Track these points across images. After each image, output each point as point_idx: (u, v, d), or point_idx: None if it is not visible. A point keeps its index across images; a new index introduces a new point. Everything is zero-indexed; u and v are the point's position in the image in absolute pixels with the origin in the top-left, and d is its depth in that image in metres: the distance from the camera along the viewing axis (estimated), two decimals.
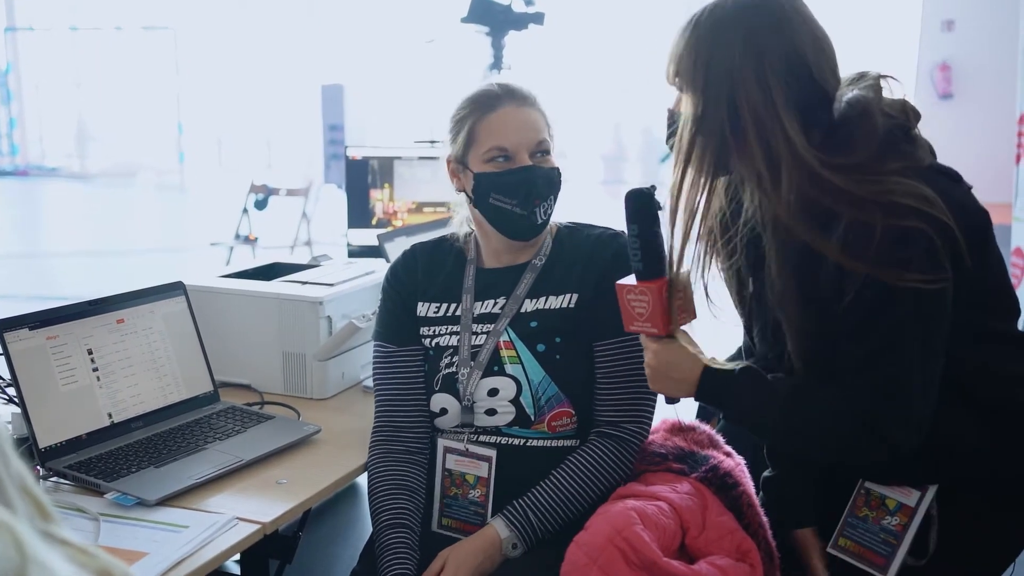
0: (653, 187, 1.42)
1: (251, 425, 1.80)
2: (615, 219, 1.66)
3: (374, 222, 2.97)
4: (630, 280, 1.44)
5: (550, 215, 1.68)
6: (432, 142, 3.10)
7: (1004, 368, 1.39)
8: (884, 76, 1.40)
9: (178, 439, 1.72)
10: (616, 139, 12.54)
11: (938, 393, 1.32)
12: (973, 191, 1.41)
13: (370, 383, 2.10)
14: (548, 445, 1.63)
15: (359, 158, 2.97)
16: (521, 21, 5.39)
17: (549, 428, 1.62)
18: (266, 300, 2.03)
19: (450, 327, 1.70)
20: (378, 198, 2.97)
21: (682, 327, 1.45)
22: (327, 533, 2.30)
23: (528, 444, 1.63)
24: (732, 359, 1.46)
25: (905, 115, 1.38)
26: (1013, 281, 4.27)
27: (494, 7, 5.36)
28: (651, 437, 1.67)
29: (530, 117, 1.65)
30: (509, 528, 1.55)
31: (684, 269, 1.43)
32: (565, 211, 1.76)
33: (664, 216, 1.42)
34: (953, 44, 11.04)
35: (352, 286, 2.10)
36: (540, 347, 1.64)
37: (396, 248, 2.52)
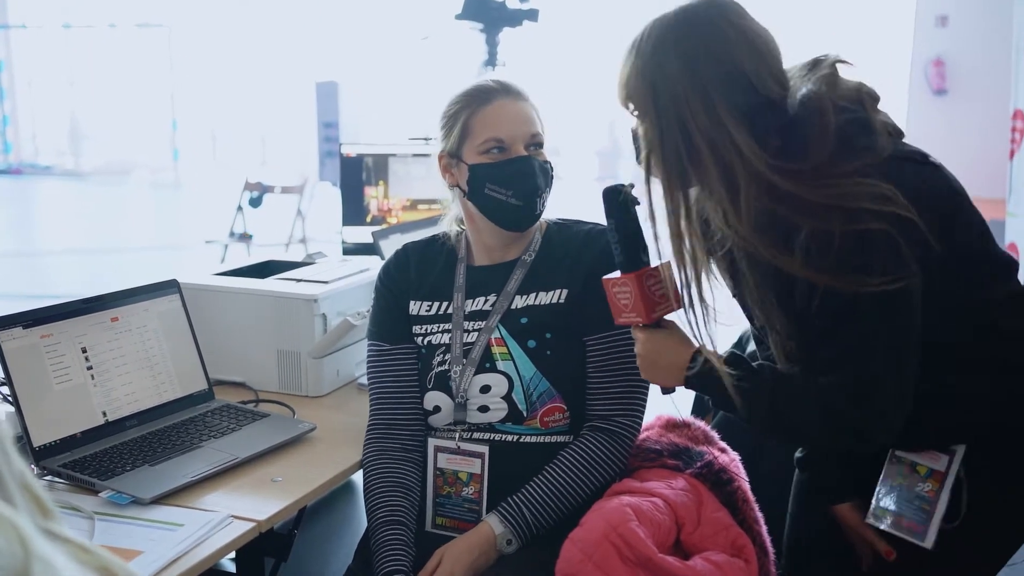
0: (631, 184, 1.45)
1: (246, 423, 1.80)
2: None
3: (368, 219, 2.96)
4: (615, 274, 1.48)
5: (545, 207, 1.69)
6: (427, 139, 3.10)
7: (1013, 325, 1.40)
8: (839, 61, 1.38)
9: (173, 437, 1.72)
10: (611, 135, 12.55)
11: (914, 387, 1.32)
12: (943, 168, 1.39)
13: (365, 381, 2.10)
14: (541, 441, 1.64)
15: (353, 155, 2.96)
16: (515, 18, 5.38)
17: (541, 424, 1.63)
18: (261, 298, 2.03)
19: (442, 325, 1.70)
20: (372, 195, 2.96)
21: (668, 316, 1.47)
22: (322, 531, 2.30)
23: (521, 440, 1.64)
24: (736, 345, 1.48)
25: (860, 103, 1.37)
26: None
27: (488, 4, 5.35)
28: (646, 433, 1.68)
29: (524, 110, 1.66)
30: (504, 524, 1.56)
31: (662, 261, 1.45)
32: (560, 207, 1.76)
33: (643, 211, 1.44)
34: (947, 39, 11.05)
35: (347, 284, 2.10)
36: (531, 343, 1.64)
37: (391, 245, 2.52)
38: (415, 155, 2.96)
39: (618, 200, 1.44)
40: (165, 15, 14.00)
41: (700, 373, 1.43)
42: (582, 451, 1.61)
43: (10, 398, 1.62)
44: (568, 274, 1.66)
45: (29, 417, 1.60)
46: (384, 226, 2.91)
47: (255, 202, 6.25)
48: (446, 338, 1.69)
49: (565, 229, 1.74)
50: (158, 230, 10.02)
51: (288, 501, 1.53)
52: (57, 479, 1.58)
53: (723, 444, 1.64)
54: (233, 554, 1.55)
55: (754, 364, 1.42)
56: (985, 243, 1.42)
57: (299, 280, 2.09)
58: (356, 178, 2.97)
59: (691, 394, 2.04)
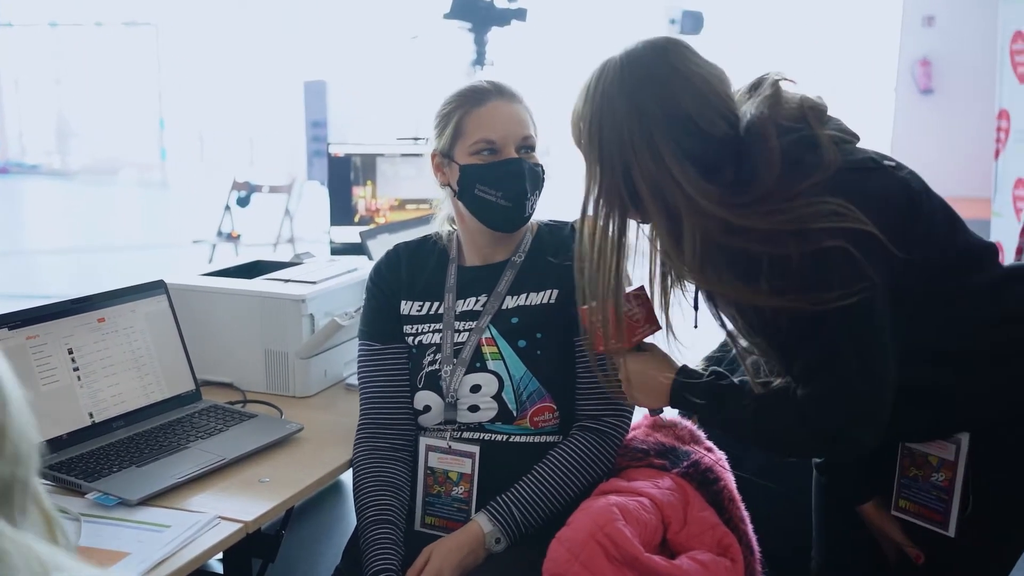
0: None
1: (233, 424, 1.79)
2: None
3: (356, 219, 2.96)
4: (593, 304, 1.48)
5: (534, 209, 1.69)
6: (415, 139, 3.10)
7: (998, 310, 1.41)
8: (781, 79, 1.39)
9: (160, 438, 1.72)
10: None
11: (894, 382, 1.33)
12: (897, 168, 1.38)
13: (353, 381, 2.10)
14: (530, 441, 1.64)
15: (341, 155, 2.96)
16: (504, 17, 5.38)
17: (531, 424, 1.63)
18: (248, 298, 2.03)
19: (433, 325, 1.71)
20: (360, 195, 2.96)
21: (648, 339, 1.50)
22: (310, 531, 2.30)
23: (511, 440, 1.64)
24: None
25: (804, 119, 1.36)
26: None
27: (477, 3, 5.35)
28: (633, 433, 1.69)
29: (517, 112, 1.67)
30: (492, 523, 1.56)
31: (636, 286, 1.48)
32: (550, 205, 1.77)
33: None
34: (934, 39, 11.10)
35: (334, 284, 2.10)
36: (521, 343, 1.65)
37: (379, 246, 2.52)
38: (403, 155, 2.96)
39: None
40: (153, 14, 13.94)
41: (684, 393, 1.45)
42: (571, 451, 1.61)
43: None
44: (558, 275, 1.67)
45: None
46: (372, 226, 2.91)
47: (243, 202, 6.23)
48: (437, 338, 1.69)
49: (556, 230, 1.75)
50: (146, 230, 9.98)
51: (275, 502, 1.53)
52: (43, 481, 1.57)
53: (709, 443, 1.65)
54: (221, 555, 1.55)
55: (736, 380, 1.44)
56: (955, 233, 1.42)
57: (287, 280, 2.09)
58: (344, 178, 2.97)
59: None
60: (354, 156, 2.95)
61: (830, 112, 1.42)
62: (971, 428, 1.44)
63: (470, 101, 1.66)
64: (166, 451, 1.67)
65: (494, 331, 1.66)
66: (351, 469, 1.70)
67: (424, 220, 2.76)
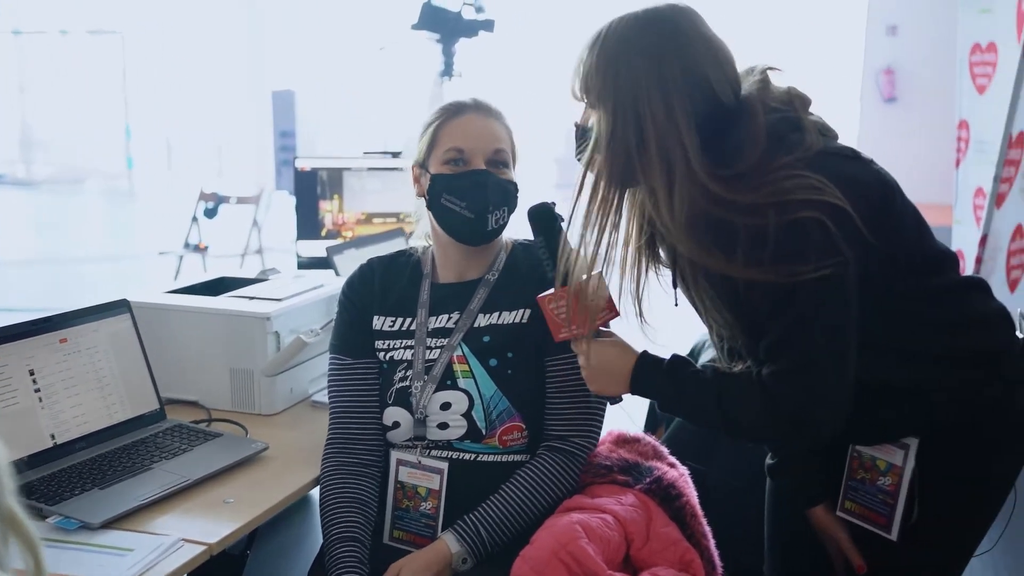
0: (552, 203, 1.51)
1: (198, 443, 1.79)
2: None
3: (323, 233, 2.96)
4: (548, 292, 1.50)
5: (503, 225, 1.69)
6: (383, 153, 3.11)
7: (954, 314, 1.45)
8: (770, 68, 1.44)
9: (123, 459, 1.70)
10: (569, 143, 12.57)
11: (854, 364, 1.35)
12: (875, 163, 1.44)
13: (319, 398, 2.10)
14: (499, 460, 1.65)
15: (308, 169, 2.96)
16: (471, 28, 5.41)
17: (500, 442, 1.64)
18: (213, 316, 2.02)
19: (404, 341, 1.71)
20: (327, 209, 2.96)
21: (604, 325, 1.50)
22: (276, 548, 2.29)
23: (478, 459, 1.65)
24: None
25: (791, 104, 1.42)
26: None
27: (444, 14, 5.37)
28: (597, 448, 1.70)
29: (492, 127, 1.69)
30: (460, 543, 1.57)
31: (595, 271, 1.46)
32: (520, 211, 1.77)
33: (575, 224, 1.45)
34: (897, 49, 11.26)
35: (300, 301, 2.09)
36: (492, 362, 1.66)
37: (345, 261, 2.53)
38: (370, 169, 2.96)
39: (545, 218, 1.49)
40: (118, 22, 13.82)
41: (645, 377, 1.46)
42: (538, 471, 1.62)
43: None
44: (532, 294, 1.67)
45: None
46: (339, 240, 2.91)
47: (210, 213, 6.19)
48: (408, 354, 1.70)
49: (530, 249, 1.75)
50: (111, 240, 9.88)
51: (240, 523, 1.53)
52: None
53: (672, 459, 1.67)
54: None
55: (698, 365, 1.46)
56: (921, 236, 1.46)
57: (252, 298, 2.08)
58: (311, 192, 2.97)
59: (644, 405, 2.08)
60: (321, 170, 2.95)
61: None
62: (921, 433, 1.47)
63: (449, 113, 1.69)
64: (129, 472, 1.66)
65: (466, 349, 1.67)
66: (318, 485, 1.69)
67: (392, 234, 2.77)
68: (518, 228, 1.73)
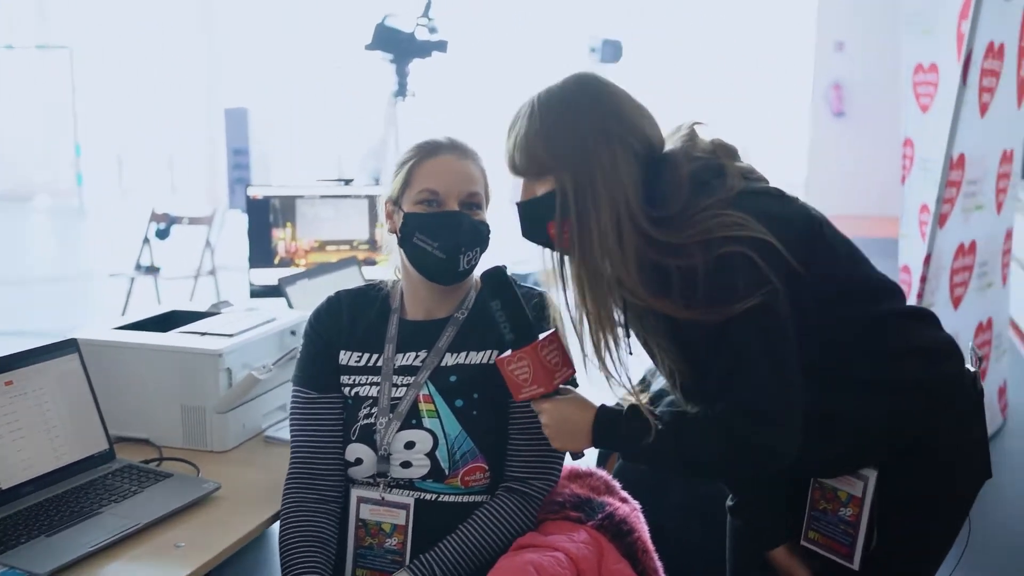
0: (504, 266, 1.52)
1: (148, 484, 1.77)
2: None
3: (276, 261, 2.95)
4: (507, 354, 1.51)
5: (474, 266, 1.70)
6: (336, 180, 3.10)
7: (897, 343, 1.48)
8: (696, 123, 1.51)
9: (71, 504, 1.68)
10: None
11: (802, 388, 1.38)
12: (800, 201, 1.50)
13: (272, 433, 2.09)
14: (460, 500, 1.66)
15: (260, 197, 2.95)
16: (424, 49, 5.41)
17: (462, 483, 1.65)
18: (163, 353, 2.00)
19: (371, 377, 1.71)
20: (280, 237, 2.95)
21: (566, 383, 1.52)
22: None
23: (440, 499, 1.65)
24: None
25: (714, 153, 1.48)
26: None
27: (397, 35, 5.37)
28: None
29: (467, 168, 1.69)
30: None
31: (552, 329, 1.52)
32: (491, 254, 1.78)
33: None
34: (845, 64, 11.49)
35: (252, 335, 2.08)
36: (458, 402, 1.66)
37: (298, 292, 2.52)
38: (323, 196, 2.95)
39: (499, 281, 1.50)
40: (67, 37, 13.61)
41: (605, 431, 1.48)
42: (495, 512, 1.63)
43: None
44: (500, 335, 1.68)
45: None
46: (292, 269, 2.90)
47: (162, 234, 6.09)
48: (374, 391, 1.69)
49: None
50: (60, 261, 9.70)
51: (190, 569, 1.51)
52: None
53: (624, 494, 1.69)
54: None
55: (655, 410, 1.48)
56: (856, 267, 1.50)
57: (203, 333, 2.06)
58: (263, 220, 2.95)
59: None
60: (273, 198, 2.94)
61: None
62: (877, 461, 1.50)
63: (423, 152, 1.70)
64: (78, 517, 1.63)
65: (432, 388, 1.67)
66: (278, 521, 1.68)
67: (345, 263, 2.77)
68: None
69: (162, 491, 1.75)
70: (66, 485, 1.75)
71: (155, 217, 6.11)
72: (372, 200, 2.96)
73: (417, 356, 1.71)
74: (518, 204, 1.50)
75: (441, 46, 5.47)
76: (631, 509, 1.64)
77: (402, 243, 1.69)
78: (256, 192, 2.96)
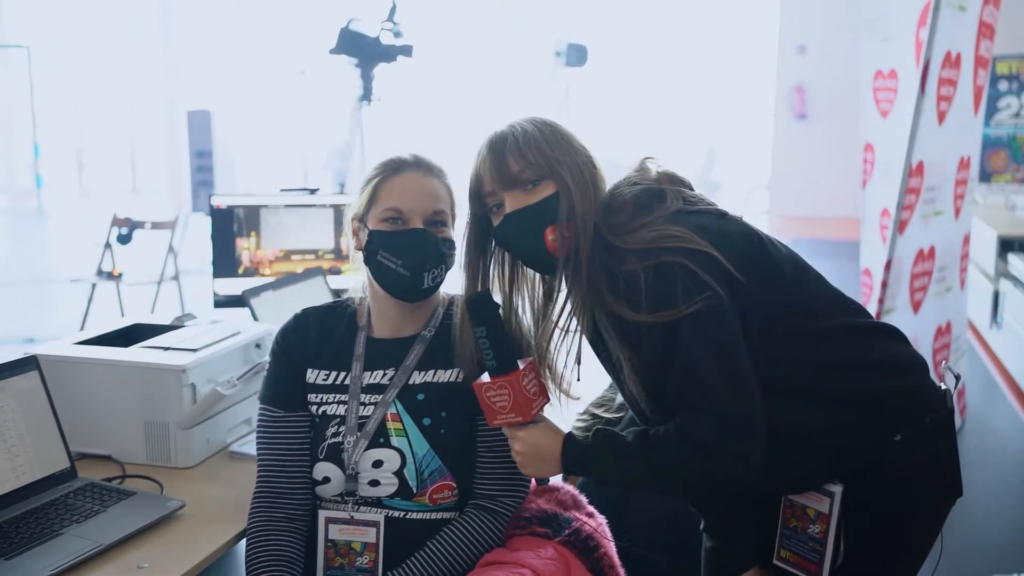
0: (488, 291, 1.55)
1: (111, 503, 1.75)
2: None
3: (240, 271, 2.93)
4: (485, 379, 1.51)
5: (439, 283, 1.70)
6: (300, 190, 3.09)
7: (855, 357, 1.50)
8: (648, 158, 1.59)
9: (31, 525, 1.66)
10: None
11: (758, 391, 1.41)
12: (742, 218, 1.55)
13: (237, 448, 2.08)
14: (428, 518, 1.66)
15: (224, 207, 2.92)
16: (389, 54, 5.39)
17: (430, 501, 1.64)
18: (126, 369, 1.98)
19: (338, 396, 1.70)
20: (244, 247, 2.93)
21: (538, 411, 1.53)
22: None
23: (408, 517, 1.65)
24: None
25: (658, 181, 1.55)
26: (862, 300, 4.48)
27: (362, 39, 5.35)
28: None
29: (431, 186, 1.69)
30: None
31: (531, 358, 1.54)
32: (457, 272, 1.78)
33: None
34: (806, 67, 11.62)
35: (217, 350, 2.06)
36: (426, 421, 1.66)
37: (263, 303, 2.50)
38: (287, 206, 2.94)
39: (485, 308, 1.51)
40: (24, 36, 13.39)
41: (575, 457, 1.49)
42: (464, 529, 1.63)
43: None
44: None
45: None
46: (256, 279, 2.88)
47: (124, 239, 6.00)
48: (341, 409, 1.69)
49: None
50: (19, 265, 9.53)
51: None
52: None
53: (591, 508, 1.69)
54: None
55: (621, 432, 1.48)
56: (804, 282, 1.53)
57: (167, 348, 2.04)
58: (227, 229, 2.93)
59: None
60: (237, 208, 2.92)
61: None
62: (842, 477, 1.51)
63: (389, 169, 1.70)
64: (38, 539, 1.61)
65: (400, 406, 1.67)
66: (244, 539, 1.67)
67: (309, 273, 2.75)
68: (455, 284, 1.73)
69: (125, 510, 1.73)
70: (26, 505, 1.72)
71: (117, 222, 6.03)
72: (337, 209, 2.94)
73: (385, 374, 1.70)
74: (511, 215, 1.51)
75: (406, 50, 5.46)
76: (597, 524, 1.64)
77: (367, 260, 1.69)
78: (220, 201, 2.94)
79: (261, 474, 1.71)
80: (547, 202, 1.49)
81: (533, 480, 1.74)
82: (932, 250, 3.99)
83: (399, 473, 1.64)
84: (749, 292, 1.42)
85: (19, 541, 1.60)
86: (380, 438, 1.65)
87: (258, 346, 2.16)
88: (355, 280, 1.81)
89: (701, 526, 1.66)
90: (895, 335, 1.57)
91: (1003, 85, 5.88)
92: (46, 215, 12.72)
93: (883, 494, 1.50)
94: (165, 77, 13.05)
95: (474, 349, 1.56)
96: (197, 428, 1.99)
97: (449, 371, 1.69)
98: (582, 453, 1.48)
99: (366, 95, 5.51)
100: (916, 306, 3.96)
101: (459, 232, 1.72)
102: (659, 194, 1.52)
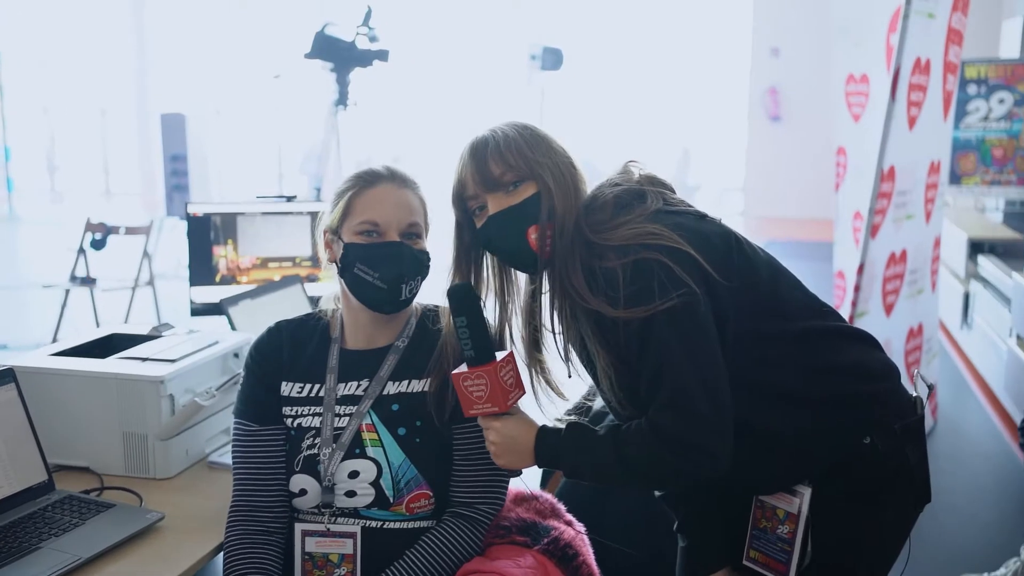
0: (469, 283, 1.57)
1: (90, 516, 1.74)
2: None
3: (218, 279, 2.92)
4: (463, 368, 1.52)
5: (414, 295, 1.71)
6: (277, 197, 3.08)
7: (826, 360, 1.53)
8: (631, 162, 1.63)
9: (9, 540, 1.65)
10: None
11: (729, 389, 1.43)
12: (721, 221, 1.59)
13: (216, 458, 2.08)
14: (405, 527, 1.66)
15: (200, 215, 2.92)
16: (365, 58, 5.38)
17: (407, 510, 1.65)
18: (103, 380, 1.97)
19: (313, 408, 1.70)
20: (221, 254, 2.93)
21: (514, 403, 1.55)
22: None
23: (385, 526, 1.66)
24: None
25: (639, 183, 1.58)
26: (835, 302, 4.52)
27: (337, 44, 5.34)
28: None
29: (406, 198, 1.70)
30: None
31: (508, 349, 1.56)
32: (429, 283, 1.79)
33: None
34: (780, 70, 11.72)
35: (195, 360, 2.06)
36: (401, 431, 1.67)
37: (240, 312, 2.50)
38: (264, 213, 2.94)
39: (466, 298, 1.51)
40: None
41: (548, 449, 1.51)
42: (442, 537, 1.64)
43: None
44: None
45: None
46: (234, 285, 2.88)
47: (98, 244, 5.95)
48: (316, 421, 1.69)
49: (439, 316, 1.76)
50: None
51: None
52: None
53: (569, 516, 1.71)
54: None
55: (594, 427, 1.51)
56: (780, 285, 1.55)
57: (144, 359, 2.04)
58: (204, 237, 2.92)
59: None
60: (214, 215, 2.91)
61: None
62: (811, 480, 1.54)
63: (362, 182, 1.70)
64: (15, 554, 1.60)
65: (375, 417, 1.68)
66: (222, 553, 1.67)
67: (288, 281, 2.75)
68: (428, 295, 1.75)
69: (104, 523, 1.72)
70: (3, 520, 1.72)
71: (91, 227, 5.99)
72: (314, 216, 2.94)
73: (359, 385, 1.71)
74: (494, 216, 1.53)
75: (382, 55, 5.46)
76: (576, 532, 1.66)
77: (342, 273, 1.69)
78: (196, 209, 2.93)
79: (237, 488, 1.71)
80: (528, 202, 1.51)
81: (512, 488, 1.75)
82: (904, 253, 4.04)
83: (375, 483, 1.64)
84: (725, 292, 1.45)
85: None
86: (356, 449, 1.66)
87: (236, 356, 2.16)
88: (331, 290, 1.82)
89: (675, 526, 1.69)
90: (868, 341, 1.60)
91: (972, 89, 5.97)
92: (18, 219, 12.58)
93: (852, 496, 1.53)
94: (138, 79, 12.95)
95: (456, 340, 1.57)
96: (176, 439, 1.99)
97: (423, 381, 1.70)
98: (555, 445, 1.50)
99: (342, 99, 5.50)
100: (888, 309, 4.01)
101: (432, 242, 1.74)
102: (640, 195, 1.55)
